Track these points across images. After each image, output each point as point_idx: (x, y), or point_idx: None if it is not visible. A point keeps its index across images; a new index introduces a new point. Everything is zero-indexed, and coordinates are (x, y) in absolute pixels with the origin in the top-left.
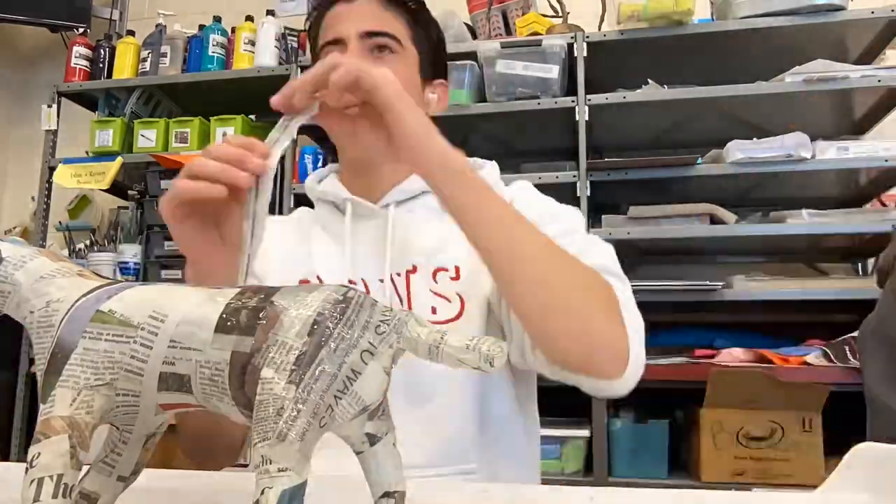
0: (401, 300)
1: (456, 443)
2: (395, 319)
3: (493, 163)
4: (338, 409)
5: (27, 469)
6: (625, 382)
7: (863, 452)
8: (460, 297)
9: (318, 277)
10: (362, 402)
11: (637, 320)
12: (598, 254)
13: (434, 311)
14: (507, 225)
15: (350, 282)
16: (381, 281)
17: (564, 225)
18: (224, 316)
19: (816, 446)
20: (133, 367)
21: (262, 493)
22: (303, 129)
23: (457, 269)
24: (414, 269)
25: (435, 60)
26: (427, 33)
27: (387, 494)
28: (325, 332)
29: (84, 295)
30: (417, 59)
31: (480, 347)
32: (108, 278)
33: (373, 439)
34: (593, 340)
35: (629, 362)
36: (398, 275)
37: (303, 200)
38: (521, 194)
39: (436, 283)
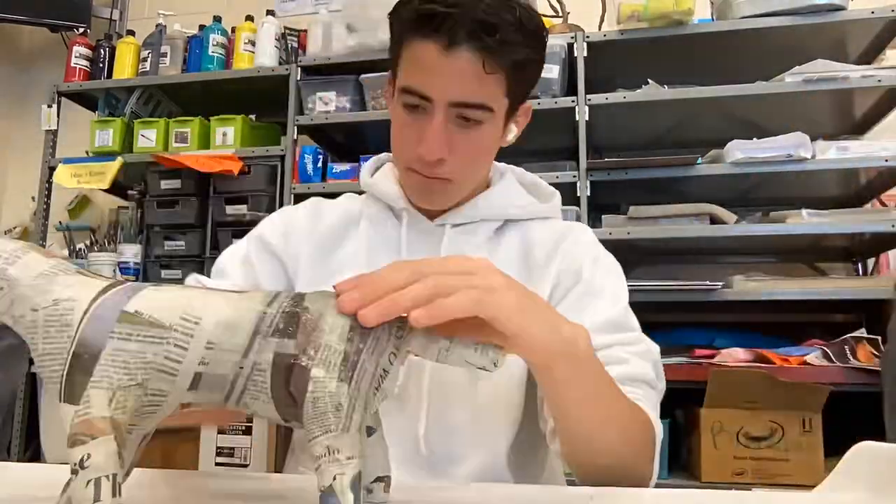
0: None
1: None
2: (407, 325)
3: (558, 197)
4: (371, 404)
5: (77, 470)
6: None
7: (862, 452)
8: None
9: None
10: (385, 397)
11: (659, 437)
12: (641, 365)
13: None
14: (595, 400)
15: None
16: None
17: (614, 311)
18: (262, 319)
19: (816, 446)
20: (167, 367)
21: (335, 479)
22: (302, 130)
23: None
24: None
25: (527, 92)
26: (529, 78)
27: (379, 479)
28: (362, 336)
29: (99, 294)
30: (506, 108)
31: (487, 351)
32: (104, 276)
33: (370, 431)
34: (621, 476)
35: (648, 483)
36: None
37: (301, 201)
38: (585, 251)
39: None
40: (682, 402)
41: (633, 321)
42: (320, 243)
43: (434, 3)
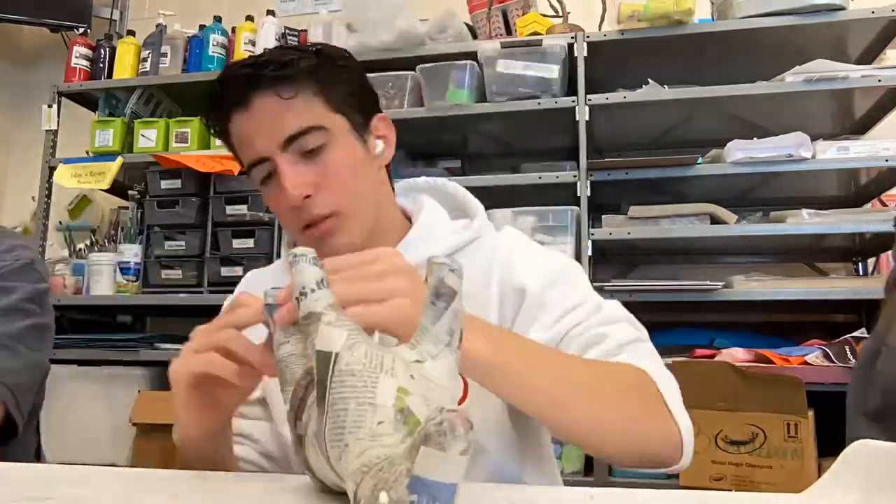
0: None
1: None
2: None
3: (482, 211)
4: None
5: None
6: (684, 460)
7: (859, 451)
8: (462, 376)
9: None
10: None
11: (671, 383)
12: (621, 328)
13: None
14: (553, 379)
15: None
16: None
17: (578, 295)
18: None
19: (802, 455)
20: None
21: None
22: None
23: None
24: None
25: (362, 102)
26: (341, 84)
27: None
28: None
29: None
30: (347, 125)
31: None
32: None
33: None
34: (649, 448)
35: (683, 444)
36: None
37: None
38: (518, 255)
39: None
40: None
41: (592, 294)
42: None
43: (211, 98)
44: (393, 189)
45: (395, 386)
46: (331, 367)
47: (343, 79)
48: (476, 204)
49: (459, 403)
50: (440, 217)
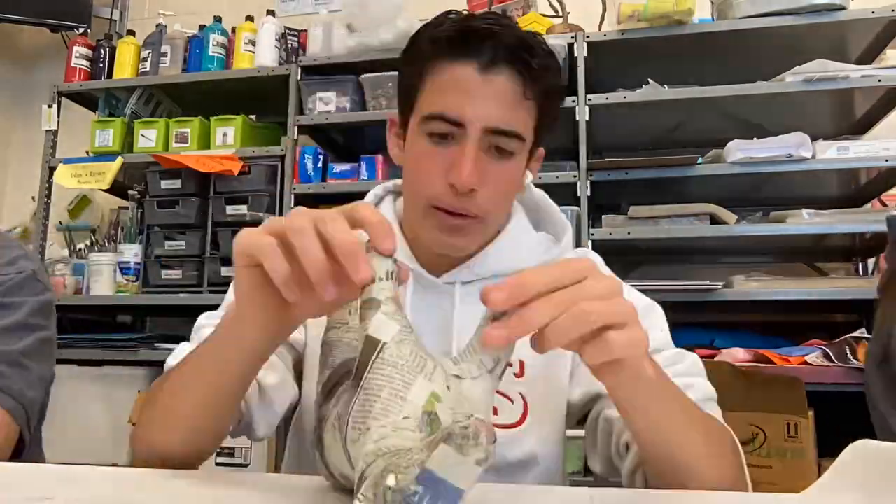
0: None
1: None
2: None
3: (570, 231)
4: None
5: None
6: None
7: (859, 451)
8: (523, 398)
9: None
10: None
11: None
12: (702, 383)
13: (495, 411)
14: (675, 417)
15: None
16: None
17: (663, 339)
18: None
19: (803, 455)
20: None
21: None
22: (302, 130)
23: (521, 365)
24: None
25: (546, 129)
26: (551, 112)
27: None
28: None
29: None
30: (529, 147)
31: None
32: None
33: None
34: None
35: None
36: None
37: (301, 201)
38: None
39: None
40: None
41: (671, 341)
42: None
43: (472, 21)
44: None
45: (429, 390)
46: (375, 353)
47: (554, 107)
48: (565, 222)
49: (518, 424)
50: (525, 225)
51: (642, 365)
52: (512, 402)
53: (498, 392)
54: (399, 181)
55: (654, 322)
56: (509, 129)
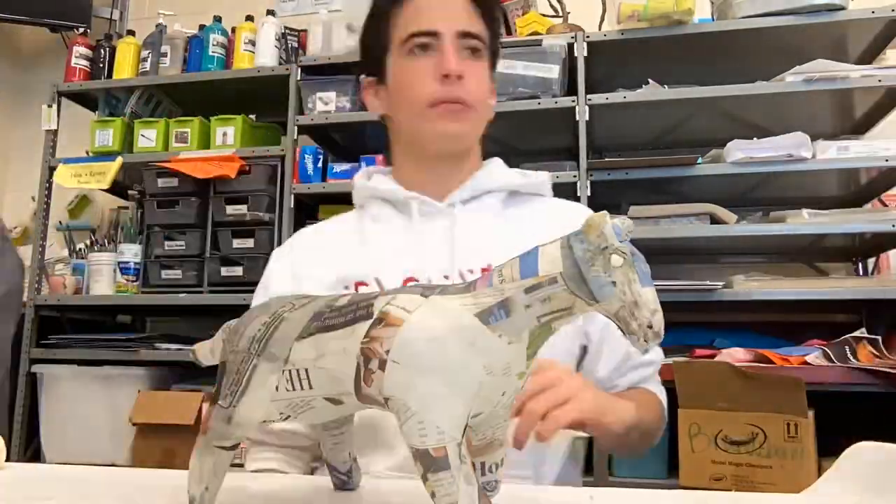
0: None
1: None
2: None
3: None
4: None
5: None
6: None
7: (858, 452)
8: None
9: (376, 280)
10: None
11: (663, 395)
12: (652, 359)
13: None
14: (640, 432)
15: (411, 279)
16: (447, 277)
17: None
18: None
19: (803, 455)
20: None
21: None
22: (302, 130)
23: None
24: (489, 269)
25: (493, 58)
26: (497, 32)
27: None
28: None
29: None
30: (489, 61)
31: None
32: None
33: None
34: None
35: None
36: (470, 271)
37: (303, 199)
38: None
39: None
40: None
41: None
42: (331, 260)
43: None
44: None
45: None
46: None
47: (497, 22)
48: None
49: None
50: (507, 168)
51: (601, 421)
52: None
53: None
54: (378, 167)
55: None
56: (474, 31)
